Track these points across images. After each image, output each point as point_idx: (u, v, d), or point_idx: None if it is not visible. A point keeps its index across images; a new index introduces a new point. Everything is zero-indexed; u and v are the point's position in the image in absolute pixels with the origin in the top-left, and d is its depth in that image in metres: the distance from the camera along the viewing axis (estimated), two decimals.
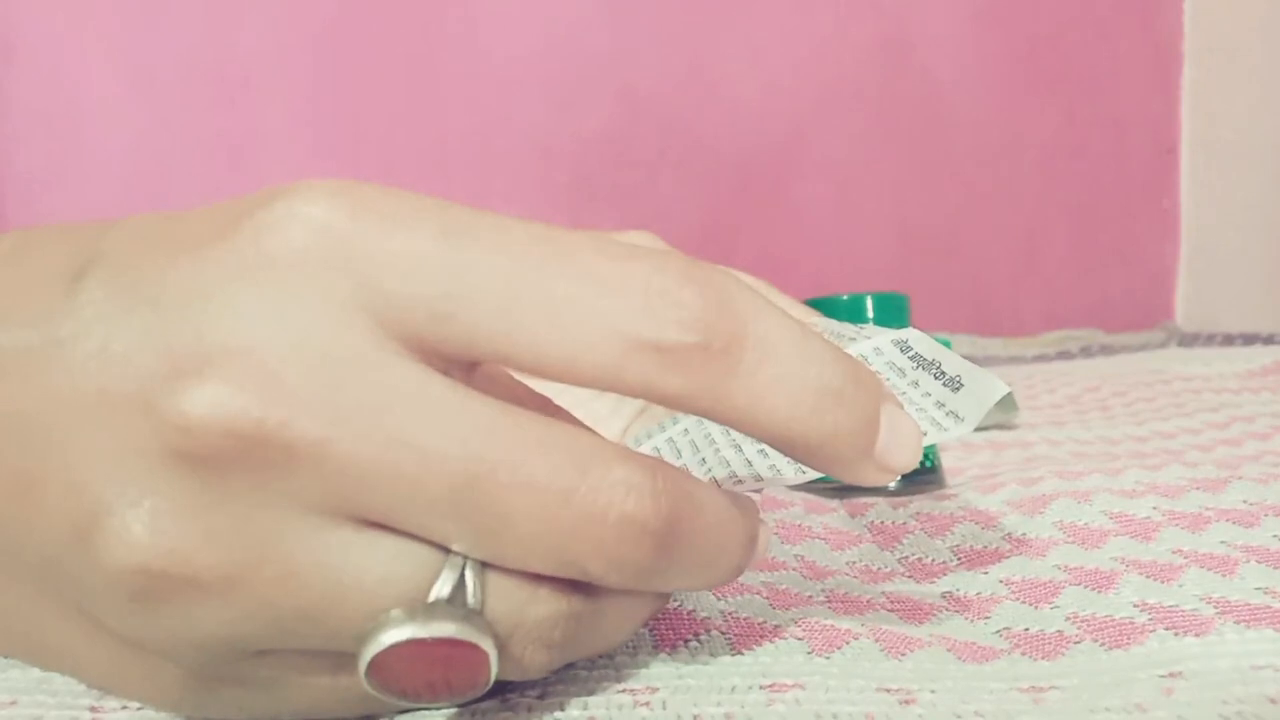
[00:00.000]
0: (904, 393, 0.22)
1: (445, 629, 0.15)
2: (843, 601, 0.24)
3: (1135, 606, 0.23)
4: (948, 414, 0.21)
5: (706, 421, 0.24)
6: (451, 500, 0.15)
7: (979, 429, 0.52)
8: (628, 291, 0.15)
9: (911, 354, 0.22)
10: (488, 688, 0.16)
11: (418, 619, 0.15)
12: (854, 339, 0.24)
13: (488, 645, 0.15)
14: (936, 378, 0.22)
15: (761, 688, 0.19)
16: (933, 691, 0.19)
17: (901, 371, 0.22)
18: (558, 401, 0.19)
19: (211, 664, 0.16)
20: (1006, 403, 0.52)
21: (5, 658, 0.20)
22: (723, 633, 0.21)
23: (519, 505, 0.15)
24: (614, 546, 0.15)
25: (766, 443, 0.17)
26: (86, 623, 0.16)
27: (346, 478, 0.15)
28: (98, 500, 0.15)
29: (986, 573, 0.26)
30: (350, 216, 0.15)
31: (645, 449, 0.26)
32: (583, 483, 0.15)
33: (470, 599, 0.16)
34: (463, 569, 0.16)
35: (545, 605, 0.16)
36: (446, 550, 0.16)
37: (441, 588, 0.15)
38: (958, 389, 0.21)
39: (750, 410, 0.16)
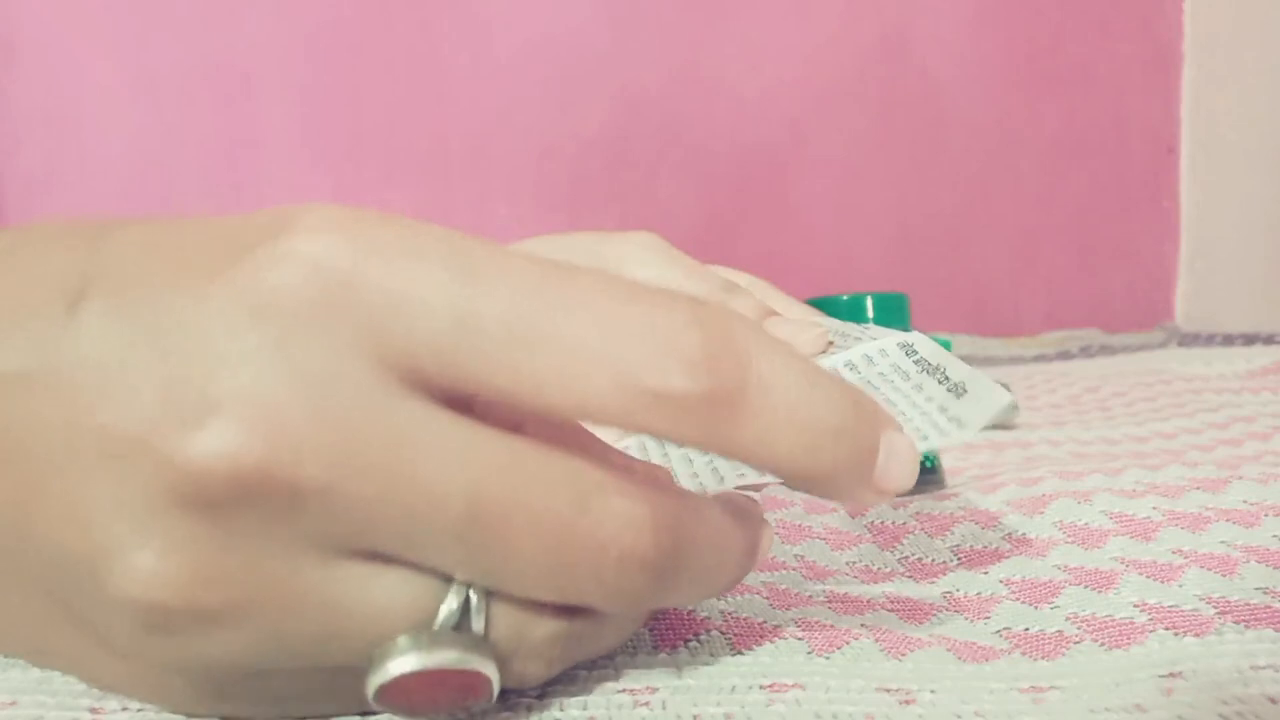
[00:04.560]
0: (907, 395, 0.22)
1: (450, 658, 0.15)
2: (843, 601, 0.24)
3: (1135, 606, 0.23)
4: (950, 419, 0.21)
5: None
6: (455, 535, 0.15)
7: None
8: (633, 338, 0.15)
9: (916, 358, 0.22)
10: (491, 702, 0.17)
11: (423, 648, 0.15)
12: (859, 338, 0.24)
13: (490, 670, 0.16)
14: (940, 383, 0.22)
15: (761, 688, 0.19)
16: (933, 691, 0.19)
17: (905, 375, 0.22)
18: None
19: (221, 680, 0.16)
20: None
21: (11, 657, 0.20)
22: (723, 633, 0.21)
23: (521, 540, 0.15)
24: (613, 579, 0.16)
25: (768, 474, 0.17)
26: (95, 634, 0.16)
27: (352, 517, 0.15)
28: (105, 535, 0.15)
29: (986, 573, 0.26)
30: (352, 257, 0.15)
31: (652, 450, 0.26)
32: (584, 517, 0.15)
33: (475, 624, 0.16)
34: (467, 595, 0.16)
35: (546, 626, 0.17)
36: (450, 577, 0.16)
37: (447, 615, 0.16)
38: (961, 395, 0.21)
39: (753, 451, 0.16)
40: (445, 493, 0.15)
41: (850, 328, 0.26)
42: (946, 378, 0.22)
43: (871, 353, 0.23)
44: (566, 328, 0.15)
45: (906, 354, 0.22)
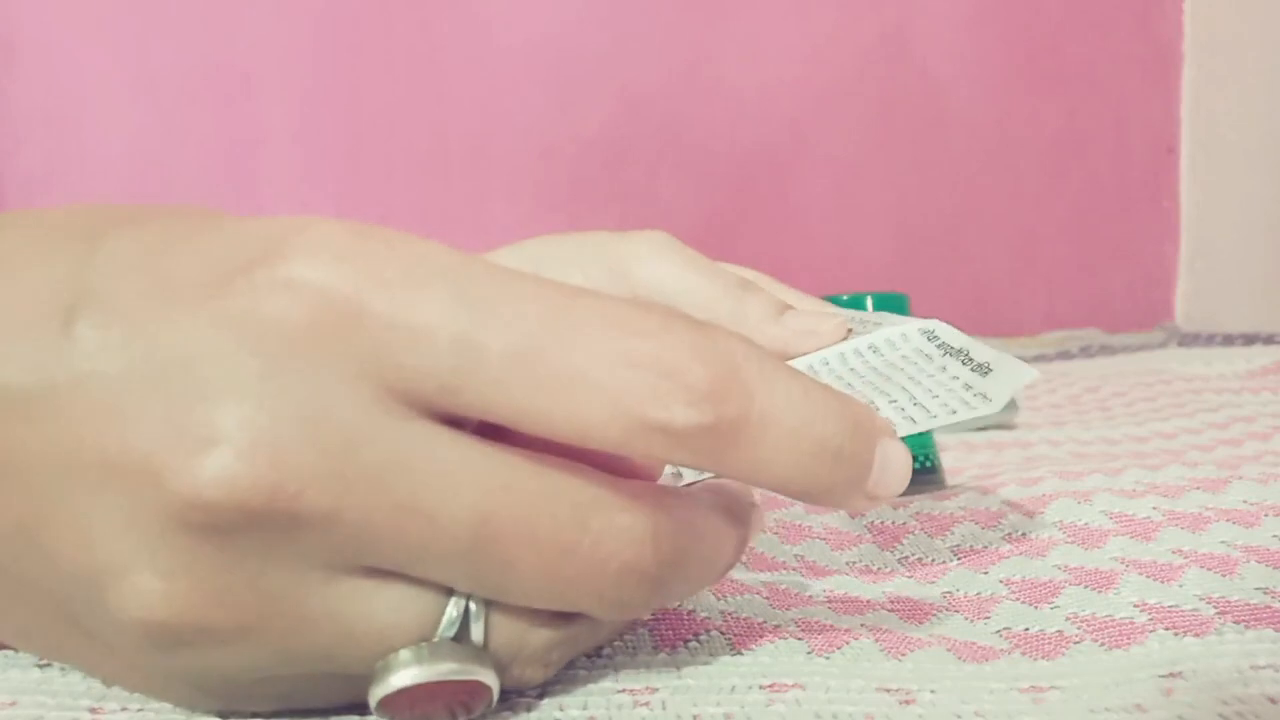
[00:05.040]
0: (932, 375, 0.22)
1: (450, 669, 0.16)
2: (843, 601, 0.24)
3: (1135, 606, 0.23)
4: (975, 395, 0.21)
5: None
6: (457, 554, 0.15)
7: (979, 429, 0.52)
8: (637, 369, 0.15)
9: (939, 343, 0.23)
10: (491, 707, 0.17)
11: (424, 661, 0.16)
12: (879, 324, 0.24)
13: (490, 679, 0.16)
14: (965, 364, 0.22)
15: (761, 688, 0.19)
16: (933, 691, 0.19)
17: (929, 358, 0.22)
18: None
19: (226, 684, 0.17)
20: (1007, 402, 0.52)
21: (26, 652, 0.20)
22: (723, 633, 0.21)
23: (522, 557, 0.15)
24: (613, 592, 0.16)
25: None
26: (103, 643, 0.16)
27: (356, 539, 0.15)
28: (111, 557, 0.15)
29: (986, 573, 0.26)
30: (355, 285, 0.15)
31: None
32: (585, 536, 0.16)
33: (475, 633, 0.16)
34: (467, 606, 0.16)
35: (544, 633, 0.17)
36: (450, 590, 0.16)
37: (446, 627, 0.16)
38: (986, 374, 0.22)
39: (750, 475, 0.16)
40: (447, 515, 0.15)
41: (868, 315, 0.26)
42: (970, 359, 0.22)
43: (894, 337, 0.23)
44: (570, 357, 0.15)
45: (929, 339, 0.23)
